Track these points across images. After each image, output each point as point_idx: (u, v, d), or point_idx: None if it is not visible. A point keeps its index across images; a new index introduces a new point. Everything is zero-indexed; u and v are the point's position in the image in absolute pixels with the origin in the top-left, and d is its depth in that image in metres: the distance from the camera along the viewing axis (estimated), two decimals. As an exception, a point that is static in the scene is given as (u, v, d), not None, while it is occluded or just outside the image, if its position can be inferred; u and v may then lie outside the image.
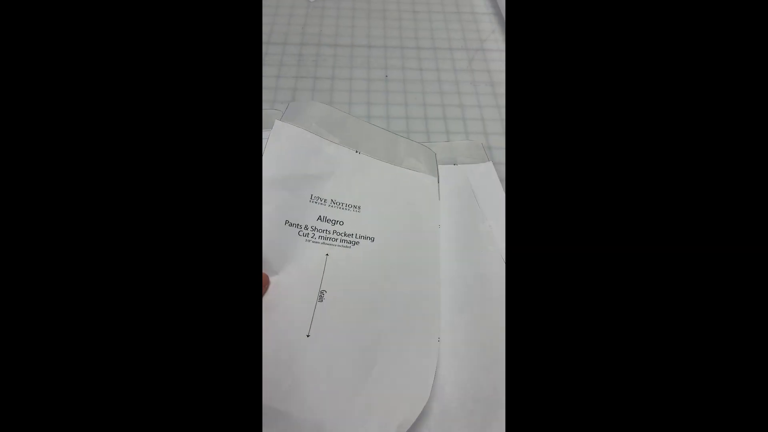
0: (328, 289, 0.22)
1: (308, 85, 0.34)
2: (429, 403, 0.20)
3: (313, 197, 0.24)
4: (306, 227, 0.23)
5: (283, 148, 0.25)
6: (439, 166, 0.29)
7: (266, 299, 0.21)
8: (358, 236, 0.24)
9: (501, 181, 0.29)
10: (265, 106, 0.32)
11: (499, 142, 0.32)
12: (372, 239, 0.24)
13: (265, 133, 0.26)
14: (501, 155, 0.31)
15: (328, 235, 0.23)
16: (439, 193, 0.27)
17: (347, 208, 0.25)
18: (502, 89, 0.35)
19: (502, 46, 0.39)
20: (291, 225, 0.23)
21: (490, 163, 0.30)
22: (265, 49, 0.37)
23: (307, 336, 0.20)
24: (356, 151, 0.27)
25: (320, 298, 0.21)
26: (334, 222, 0.24)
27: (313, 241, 0.23)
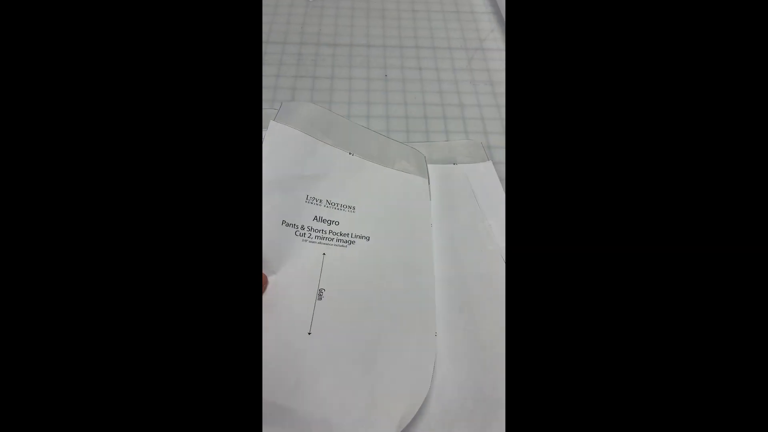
0: (327, 287, 0.22)
1: (307, 85, 0.34)
2: (430, 403, 0.20)
3: (308, 198, 0.25)
4: (302, 227, 0.24)
5: (279, 149, 0.25)
6: (439, 166, 0.30)
7: (265, 298, 0.21)
8: (353, 236, 0.24)
9: (501, 180, 0.29)
10: (264, 105, 0.32)
11: (499, 141, 0.32)
12: (367, 238, 0.25)
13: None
14: (501, 154, 0.31)
15: (324, 235, 0.24)
16: (429, 193, 0.28)
17: (342, 208, 0.25)
18: (501, 88, 0.35)
19: (502, 45, 0.39)
20: (288, 225, 0.23)
21: (490, 163, 0.30)
22: (264, 48, 0.37)
23: (309, 334, 0.21)
24: (350, 153, 0.27)
25: (319, 296, 0.22)
26: (330, 222, 0.24)
27: (310, 241, 0.23)
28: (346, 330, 0.21)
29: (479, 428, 0.20)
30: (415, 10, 0.42)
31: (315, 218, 0.24)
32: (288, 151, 0.25)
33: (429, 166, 0.30)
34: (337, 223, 0.24)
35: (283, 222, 0.23)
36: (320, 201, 0.25)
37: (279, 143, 0.25)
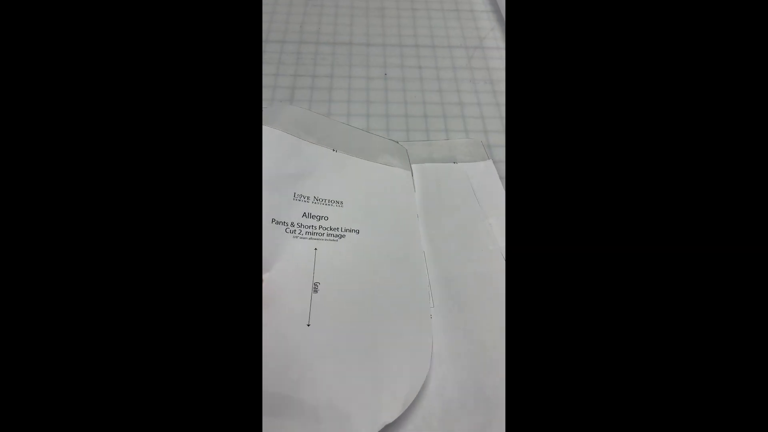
0: (321, 280, 0.22)
1: (307, 84, 0.34)
2: (430, 402, 0.20)
3: (296, 195, 0.25)
4: (292, 224, 0.24)
5: (264, 150, 0.26)
6: (439, 165, 0.30)
7: (263, 296, 0.21)
8: (343, 230, 0.25)
9: (501, 179, 0.29)
10: (263, 104, 0.32)
11: (499, 140, 0.32)
12: (357, 231, 0.25)
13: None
14: (501, 153, 0.31)
15: (314, 231, 0.24)
16: (413, 184, 0.28)
17: (330, 203, 0.26)
18: (501, 87, 0.35)
19: (502, 43, 0.39)
20: (278, 223, 0.24)
21: (490, 161, 0.30)
22: (264, 47, 0.37)
23: (308, 326, 0.21)
24: (333, 150, 0.28)
25: (315, 290, 0.22)
26: (319, 218, 0.25)
27: (301, 237, 0.24)
28: (344, 319, 0.22)
29: (480, 428, 0.20)
30: (414, 9, 0.42)
31: (304, 215, 0.25)
32: (273, 151, 0.26)
33: (429, 165, 0.30)
34: (326, 219, 0.25)
35: (273, 220, 0.24)
36: (308, 198, 0.25)
37: (264, 144, 0.26)
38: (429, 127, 0.32)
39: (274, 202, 0.24)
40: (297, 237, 0.24)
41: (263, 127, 0.26)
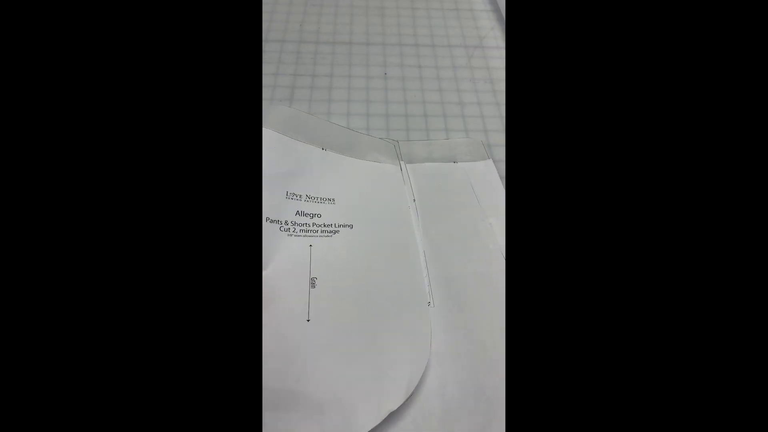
0: (318, 275, 0.23)
1: (306, 83, 0.34)
2: (431, 402, 0.20)
3: (288, 194, 0.25)
4: (286, 222, 0.24)
5: None
6: (439, 164, 0.30)
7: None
8: (337, 225, 0.25)
9: (501, 178, 0.29)
10: (263, 104, 0.32)
11: (499, 139, 0.32)
12: (351, 226, 0.25)
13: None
14: (501, 153, 0.31)
15: (308, 228, 0.25)
16: (403, 177, 0.29)
17: (322, 201, 0.26)
18: (501, 86, 0.35)
19: (501, 43, 0.39)
20: (272, 222, 0.24)
21: (490, 161, 0.30)
22: (263, 46, 0.37)
23: (308, 321, 0.21)
24: (322, 149, 0.28)
25: (312, 285, 0.22)
26: (312, 215, 0.25)
27: (295, 235, 0.24)
28: (343, 312, 0.22)
29: (480, 428, 0.20)
30: (414, 8, 0.42)
31: (297, 213, 0.25)
32: (264, 150, 0.26)
33: (429, 164, 0.30)
34: (320, 216, 0.25)
35: (267, 219, 0.24)
36: (300, 196, 0.26)
37: None
38: (429, 126, 0.32)
39: (267, 201, 0.24)
40: (292, 235, 0.24)
41: None
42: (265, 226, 0.24)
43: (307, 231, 0.24)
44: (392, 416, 0.19)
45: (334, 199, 0.26)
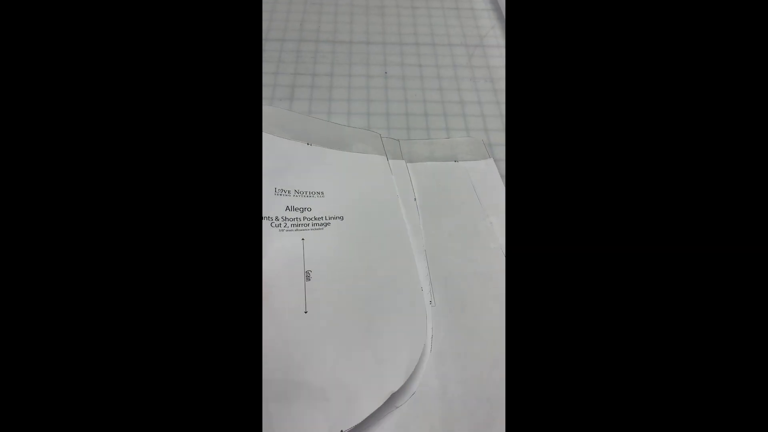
0: (313, 268, 0.23)
1: (306, 82, 0.34)
2: (432, 402, 0.20)
3: (277, 190, 0.25)
4: (277, 218, 0.24)
5: None
6: (440, 163, 0.30)
7: None
8: (328, 218, 0.25)
9: (501, 177, 0.29)
10: (263, 103, 0.32)
11: (500, 138, 0.32)
12: (341, 218, 0.26)
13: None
14: (501, 152, 0.31)
15: (299, 222, 0.25)
16: (390, 168, 0.29)
17: (311, 195, 0.26)
18: (502, 85, 0.35)
19: (502, 42, 0.39)
20: (263, 219, 0.24)
21: (491, 160, 0.30)
22: (263, 45, 0.37)
23: (305, 312, 0.21)
24: (308, 144, 0.28)
25: (307, 277, 0.23)
26: (303, 209, 0.25)
27: (287, 230, 0.24)
28: (339, 301, 0.22)
29: (481, 427, 0.20)
30: (414, 7, 0.42)
31: (287, 208, 0.25)
32: None
33: (429, 163, 0.30)
34: (310, 209, 0.25)
35: None
36: (288, 192, 0.26)
37: None
38: (430, 125, 0.32)
39: None
40: (283, 230, 0.24)
41: None
42: None
43: (298, 225, 0.25)
44: (393, 416, 0.19)
45: (323, 192, 0.26)
